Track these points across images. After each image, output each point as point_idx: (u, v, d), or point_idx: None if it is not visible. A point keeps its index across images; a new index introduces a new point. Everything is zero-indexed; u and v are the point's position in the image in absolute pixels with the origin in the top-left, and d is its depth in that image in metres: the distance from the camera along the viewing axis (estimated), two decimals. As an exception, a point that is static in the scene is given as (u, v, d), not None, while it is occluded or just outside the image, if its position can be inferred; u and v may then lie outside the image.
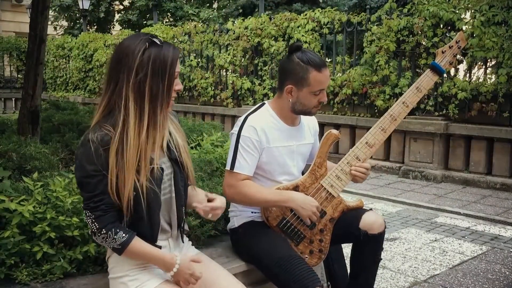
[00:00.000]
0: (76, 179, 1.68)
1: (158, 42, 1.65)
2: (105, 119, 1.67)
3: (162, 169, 1.73)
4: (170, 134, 1.80)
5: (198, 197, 1.92)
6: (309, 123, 2.41)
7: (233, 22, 10.39)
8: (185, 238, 1.98)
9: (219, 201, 1.88)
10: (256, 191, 2.14)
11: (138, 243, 1.66)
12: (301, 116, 2.35)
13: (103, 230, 1.62)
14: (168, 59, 1.64)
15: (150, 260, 1.70)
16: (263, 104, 2.30)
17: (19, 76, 16.16)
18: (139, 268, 1.73)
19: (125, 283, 1.71)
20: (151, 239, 1.72)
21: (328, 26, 8.33)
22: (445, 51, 2.27)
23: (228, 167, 2.17)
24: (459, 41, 2.26)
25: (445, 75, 7.00)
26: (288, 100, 2.19)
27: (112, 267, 1.77)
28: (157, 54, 1.63)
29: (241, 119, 2.21)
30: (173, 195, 1.80)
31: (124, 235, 1.63)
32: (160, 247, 1.74)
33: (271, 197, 2.15)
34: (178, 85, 1.72)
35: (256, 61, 9.53)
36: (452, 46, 2.27)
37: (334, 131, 2.27)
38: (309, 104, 2.19)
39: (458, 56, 6.95)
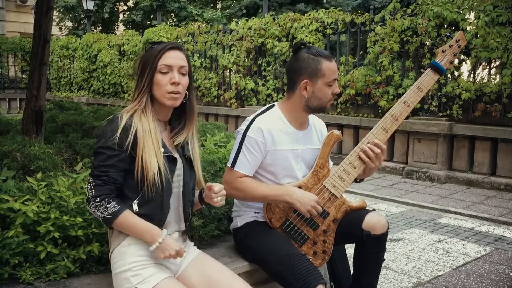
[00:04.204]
0: (94, 149, 1.80)
1: (156, 45, 1.83)
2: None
3: (175, 159, 1.85)
4: (186, 139, 1.93)
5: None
6: (318, 127, 2.40)
7: (237, 22, 10.40)
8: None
9: (218, 186, 1.91)
10: (253, 186, 2.15)
11: (129, 215, 1.73)
12: (310, 120, 2.35)
13: (97, 198, 1.71)
14: (153, 54, 1.81)
15: (139, 231, 1.74)
16: (273, 105, 2.30)
17: (23, 76, 16.24)
18: (142, 263, 1.75)
19: (128, 278, 1.73)
20: (159, 222, 1.79)
21: (331, 26, 8.33)
22: (445, 50, 2.27)
23: (229, 164, 2.18)
24: (459, 40, 2.26)
25: (449, 75, 6.99)
26: (302, 98, 2.19)
27: (114, 262, 1.79)
28: (148, 53, 1.84)
29: (249, 119, 2.21)
30: (181, 189, 1.88)
31: (116, 205, 1.72)
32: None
33: (268, 192, 2.15)
34: (173, 79, 1.81)
35: (259, 62, 9.53)
36: (452, 45, 2.27)
37: (336, 132, 2.27)
38: (325, 97, 2.20)
39: (462, 56, 6.96)
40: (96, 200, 1.71)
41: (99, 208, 1.71)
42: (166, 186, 1.78)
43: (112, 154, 1.73)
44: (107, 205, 1.70)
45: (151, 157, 1.74)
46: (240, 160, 2.15)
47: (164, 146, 1.83)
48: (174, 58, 1.82)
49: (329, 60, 2.17)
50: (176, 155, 1.88)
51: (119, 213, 1.71)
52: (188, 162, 1.92)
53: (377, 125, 2.25)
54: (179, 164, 1.88)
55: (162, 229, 1.77)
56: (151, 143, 1.75)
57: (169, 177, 1.79)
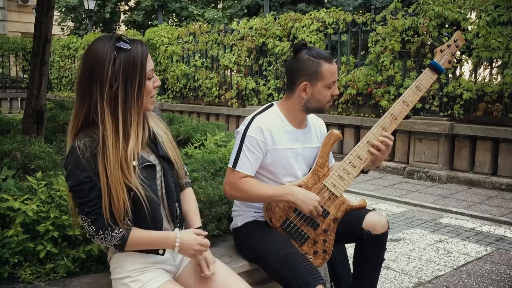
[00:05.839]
0: (68, 188, 1.67)
1: (125, 46, 1.62)
2: (85, 127, 1.66)
3: (154, 165, 1.77)
4: (155, 132, 1.81)
5: (193, 223, 1.90)
6: (317, 126, 2.40)
7: (238, 22, 10.41)
8: None
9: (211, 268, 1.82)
10: (255, 186, 2.14)
11: (137, 232, 1.68)
12: (309, 118, 2.35)
13: (100, 231, 1.63)
14: (137, 61, 1.62)
15: (154, 244, 1.70)
16: (272, 105, 2.30)
17: (25, 76, 16.25)
18: (140, 269, 1.73)
19: (127, 284, 1.72)
20: None
21: (333, 26, 8.33)
22: (443, 50, 2.27)
23: (230, 165, 2.17)
24: (457, 40, 2.27)
25: (450, 75, 6.99)
26: (301, 99, 2.19)
27: (113, 268, 1.78)
28: (126, 60, 1.61)
29: (248, 118, 2.21)
30: (164, 191, 1.81)
31: (120, 229, 1.65)
32: None
33: (271, 192, 2.15)
34: (156, 82, 1.73)
35: (260, 61, 9.53)
36: (451, 45, 2.27)
37: (336, 131, 2.27)
38: (324, 99, 2.20)
39: (463, 56, 6.95)
40: (100, 233, 1.63)
41: (106, 238, 1.63)
42: (151, 198, 1.69)
43: (90, 186, 1.61)
44: (113, 234, 1.63)
45: (127, 180, 1.62)
46: (242, 160, 2.14)
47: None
48: (150, 59, 1.71)
49: (329, 62, 2.16)
50: (151, 158, 1.78)
51: (127, 235, 1.65)
52: (166, 160, 1.82)
53: (376, 124, 2.25)
54: (158, 166, 1.79)
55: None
56: (117, 171, 1.61)
57: (152, 188, 1.70)
